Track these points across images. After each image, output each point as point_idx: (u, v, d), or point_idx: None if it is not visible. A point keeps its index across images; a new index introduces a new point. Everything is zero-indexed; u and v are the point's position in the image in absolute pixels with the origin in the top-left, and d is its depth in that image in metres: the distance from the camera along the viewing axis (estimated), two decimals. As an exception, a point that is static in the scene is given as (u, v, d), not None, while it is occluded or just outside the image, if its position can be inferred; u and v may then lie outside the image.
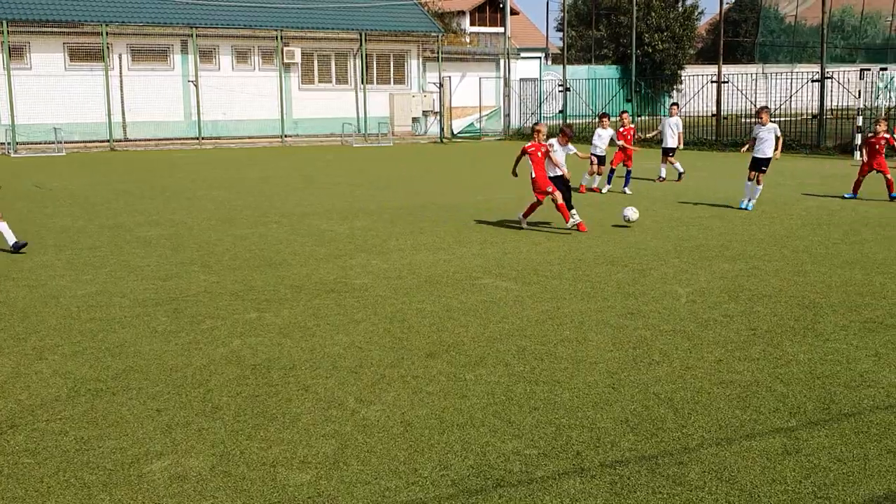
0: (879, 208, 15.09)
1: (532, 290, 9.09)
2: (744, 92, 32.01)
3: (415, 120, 39.74)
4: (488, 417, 5.59)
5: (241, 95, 35.85)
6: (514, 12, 50.52)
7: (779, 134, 14.75)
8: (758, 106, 32.07)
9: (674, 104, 22.04)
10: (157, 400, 5.96)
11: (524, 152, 13.12)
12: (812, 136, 29.53)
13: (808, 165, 24.18)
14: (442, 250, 11.48)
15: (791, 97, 30.94)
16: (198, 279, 9.82)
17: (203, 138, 34.95)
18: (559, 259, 10.75)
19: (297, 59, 36.62)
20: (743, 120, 32.88)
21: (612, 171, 18.48)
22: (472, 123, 41.95)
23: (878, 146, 16.06)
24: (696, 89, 33.68)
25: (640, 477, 4.73)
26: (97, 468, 4.90)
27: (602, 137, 18.17)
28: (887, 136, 16.29)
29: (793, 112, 31.52)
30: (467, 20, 51.29)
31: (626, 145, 18.26)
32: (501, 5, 45.52)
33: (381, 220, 14.32)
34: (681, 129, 20.53)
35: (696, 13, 52.69)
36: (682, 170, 20.20)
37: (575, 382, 6.23)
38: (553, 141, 13.34)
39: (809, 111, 30.96)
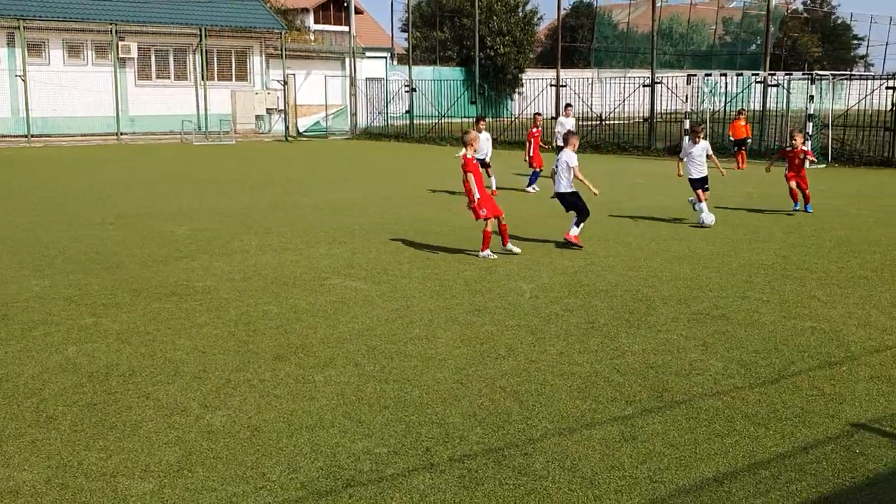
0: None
1: (381, 290, 9.13)
2: (580, 95, 33.21)
3: (258, 118, 39.04)
4: (338, 418, 5.58)
5: (73, 91, 34.17)
6: (358, 11, 50.38)
7: (710, 152, 13.82)
8: (594, 109, 33.67)
9: (568, 105, 23.21)
10: (-15, 413, 5.62)
11: (467, 171, 10.83)
12: (643, 138, 31.03)
13: (640, 166, 25.36)
14: (289, 251, 11.34)
15: (624, 101, 32.37)
16: (29, 284, 9.31)
17: (32, 136, 33.11)
18: (408, 258, 10.83)
19: (134, 53, 35.27)
20: (581, 123, 34.09)
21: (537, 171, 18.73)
22: (318, 122, 41.61)
23: (797, 160, 15.06)
24: (536, 92, 34.71)
25: (488, 469, 4.85)
26: (-83, 488, 4.58)
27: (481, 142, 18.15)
28: (805, 149, 15.44)
29: (626, 115, 32.99)
30: (311, 18, 50.74)
31: (533, 146, 18.73)
32: (346, 4, 45.34)
33: (224, 220, 13.98)
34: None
35: (535, 18, 54.33)
36: None
37: (424, 379, 6.31)
38: (568, 150, 11.72)
39: (641, 114, 32.52)
